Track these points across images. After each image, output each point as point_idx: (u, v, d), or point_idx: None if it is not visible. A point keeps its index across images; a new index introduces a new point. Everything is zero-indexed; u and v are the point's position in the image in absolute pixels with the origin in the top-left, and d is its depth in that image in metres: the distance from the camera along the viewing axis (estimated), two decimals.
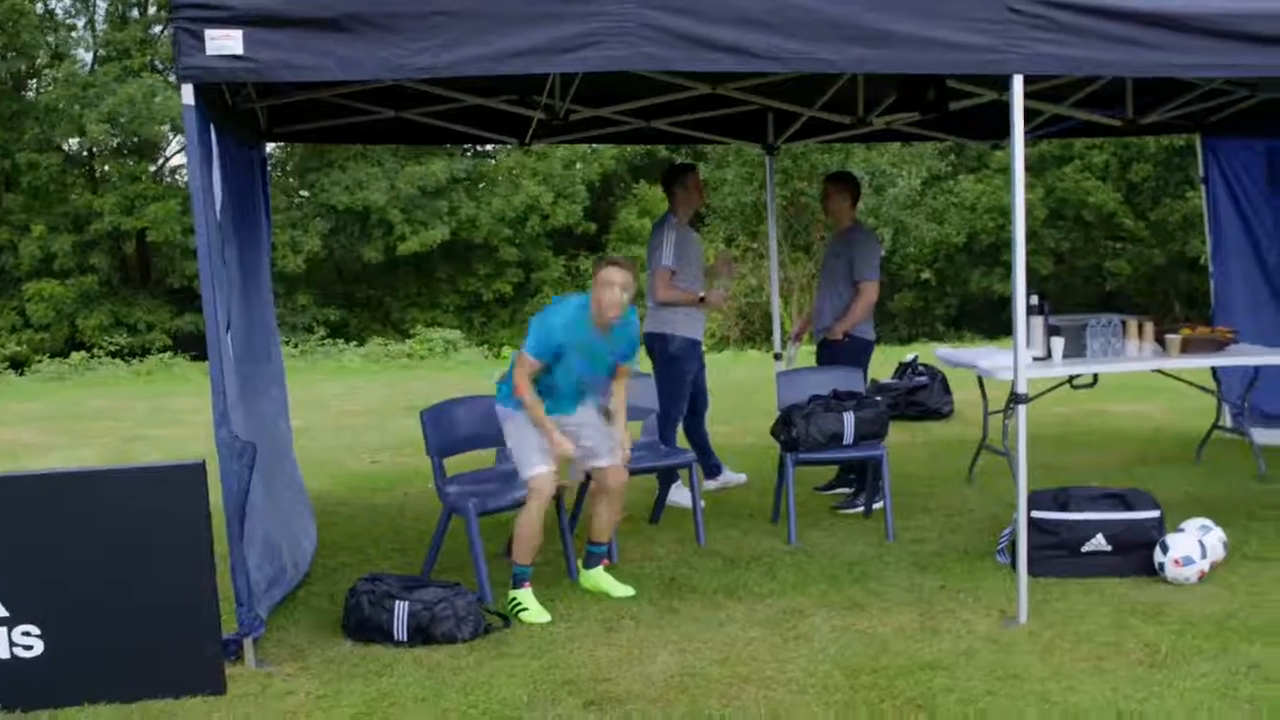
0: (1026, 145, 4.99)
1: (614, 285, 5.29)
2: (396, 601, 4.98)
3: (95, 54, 25.95)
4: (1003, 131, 5.04)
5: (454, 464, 5.95)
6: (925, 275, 23.10)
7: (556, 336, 5.33)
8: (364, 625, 5.02)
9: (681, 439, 7.32)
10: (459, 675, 4.63)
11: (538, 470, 5.33)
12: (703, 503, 6.51)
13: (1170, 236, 22.36)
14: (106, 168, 25.67)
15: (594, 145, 23.69)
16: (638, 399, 6.74)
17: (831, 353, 7.17)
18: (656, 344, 7.11)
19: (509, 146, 12.28)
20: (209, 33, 4.34)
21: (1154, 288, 23.03)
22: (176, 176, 26.34)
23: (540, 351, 5.33)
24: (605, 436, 5.63)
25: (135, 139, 24.56)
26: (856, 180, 7.52)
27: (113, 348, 21.80)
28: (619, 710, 4.31)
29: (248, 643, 4.73)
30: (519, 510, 5.45)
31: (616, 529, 5.81)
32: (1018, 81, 4.90)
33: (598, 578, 5.66)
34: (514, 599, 5.33)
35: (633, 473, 6.49)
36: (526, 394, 5.33)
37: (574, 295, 5.57)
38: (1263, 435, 7.92)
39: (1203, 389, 8.01)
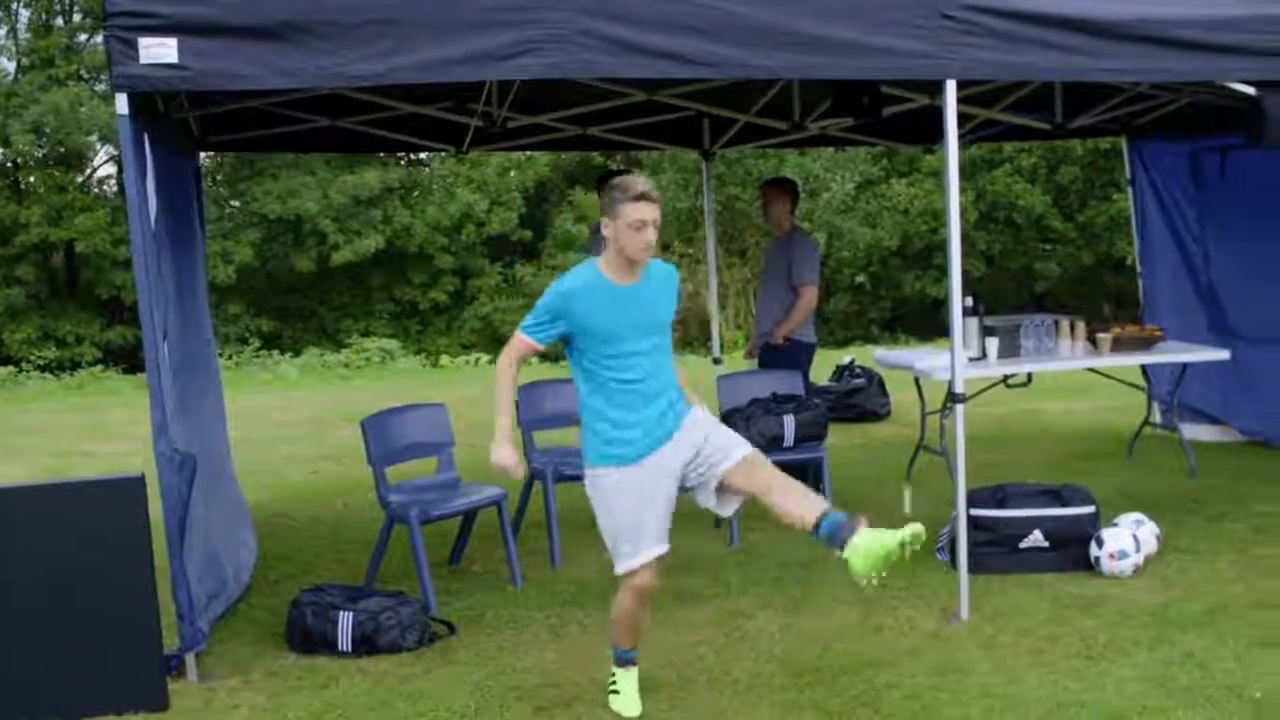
0: (959, 149, 5.08)
1: (647, 226, 4.06)
2: (340, 612, 4.95)
3: (19, 63, 25.45)
4: (935, 136, 5.14)
5: (395, 473, 5.92)
6: (860, 279, 23.30)
7: (574, 303, 4.10)
8: (308, 637, 4.98)
9: None
10: (406, 684, 4.61)
11: (640, 561, 4.14)
12: None
13: (1097, 238, 22.75)
14: (32, 179, 25.17)
15: (530, 152, 23.66)
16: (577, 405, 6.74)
17: (773, 356, 7.23)
18: None
19: (443, 155, 12.26)
20: (143, 41, 4.30)
21: (1083, 288, 23.41)
22: (105, 187, 25.89)
23: (542, 322, 4.14)
24: (715, 429, 4.30)
25: (61, 149, 24.10)
26: (796, 185, 7.61)
27: (41, 361, 21.37)
28: (568, 714, 4.32)
29: (190, 657, 4.68)
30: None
31: (745, 504, 4.33)
32: (951, 87, 4.99)
33: (871, 539, 3.97)
34: (613, 676, 4.41)
35: (574, 478, 6.50)
36: (503, 387, 4.22)
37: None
38: (1191, 431, 8.10)
39: (1133, 386, 8.18)
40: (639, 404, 4.17)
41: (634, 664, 4.39)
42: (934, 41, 4.92)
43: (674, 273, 4.39)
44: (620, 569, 4.19)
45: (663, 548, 4.19)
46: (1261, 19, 5.40)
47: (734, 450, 4.20)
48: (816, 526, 4.03)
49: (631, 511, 4.15)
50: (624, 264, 4.15)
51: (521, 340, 4.20)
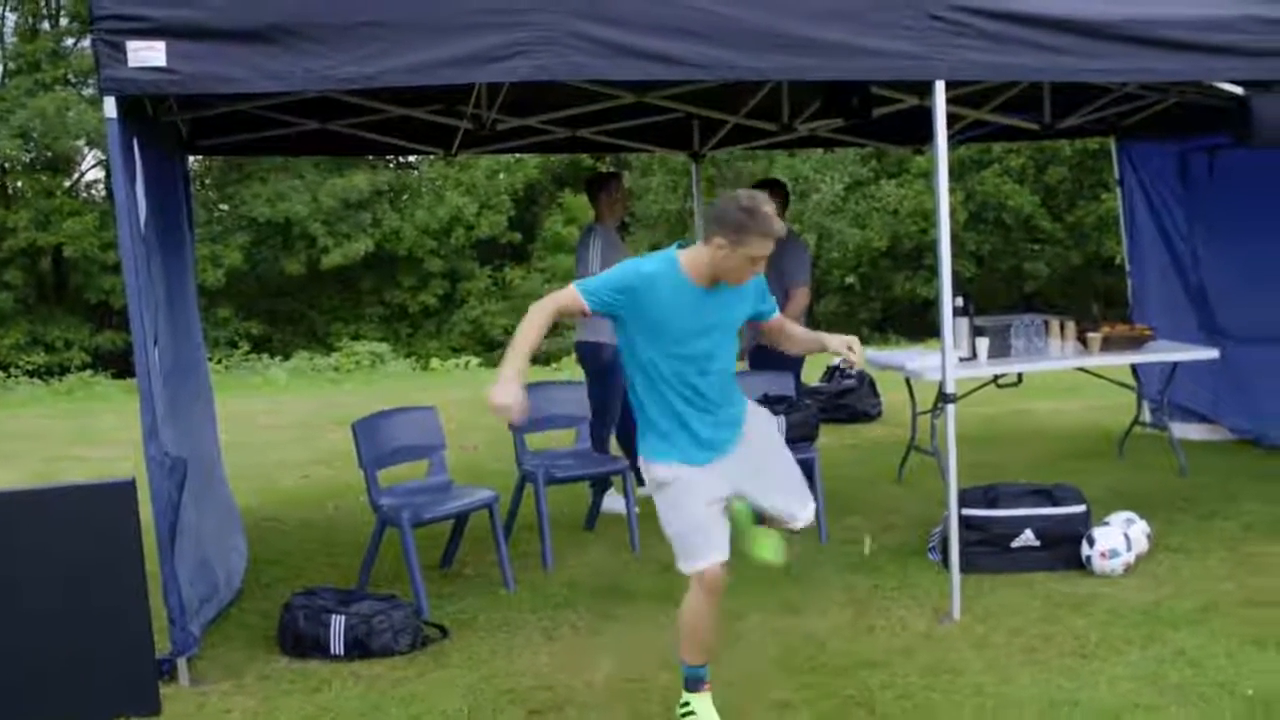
0: (948, 150, 5.09)
1: (761, 263, 3.92)
2: (333, 615, 4.94)
3: (5, 67, 25.38)
4: (924, 137, 5.15)
5: (387, 476, 5.91)
6: (850, 280, 23.34)
7: (648, 289, 3.88)
8: (300, 640, 4.97)
9: (615, 447, 7.34)
10: (399, 688, 4.61)
11: (707, 563, 4.00)
12: (637, 509, 6.53)
13: (1086, 238, 22.82)
14: (20, 183, 25.11)
15: (519, 155, 23.65)
16: (569, 408, 6.75)
17: (764, 357, 7.23)
18: (589, 352, 7.12)
19: (432, 158, 12.24)
20: (131, 44, 4.28)
21: (1072, 288, 23.46)
22: (93, 191, 25.84)
23: (605, 289, 3.89)
24: (786, 478, 4.26)
25: (49, 153, 24.05)
26: (786, 187, 7.61)
27: (30, 367, 21.31)
28: (561, 717, 4.32)
29: (182, 662, 4.66)
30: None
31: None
32: (940, 87, 5.00)
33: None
34: (685, 703, 4.17)
35: (565, 480, 6.50)
36: (528, 328, 3.83)
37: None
38: (1181, 430, 8.12)
39: (1123, 386, 8.20)
40: (701, 406, 4.00)
41: (708, 684, 4.13)
42: (923, 43, 4.92)
43: (760, 283, 4.14)
44: (689, 567, 4.03)
45: (726, 548, 4.07)
46: (1249, 19, 5.42)
47: (795, 516, 4.24)
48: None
49: (696, 510, 3.99)
50: (710, 277, 3.92)
51: (572, 295, 3.88)
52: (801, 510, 4.22)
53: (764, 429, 4.27)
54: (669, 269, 3.91)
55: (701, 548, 4.00)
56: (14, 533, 4.32)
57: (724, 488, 4.07)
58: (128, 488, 4.37)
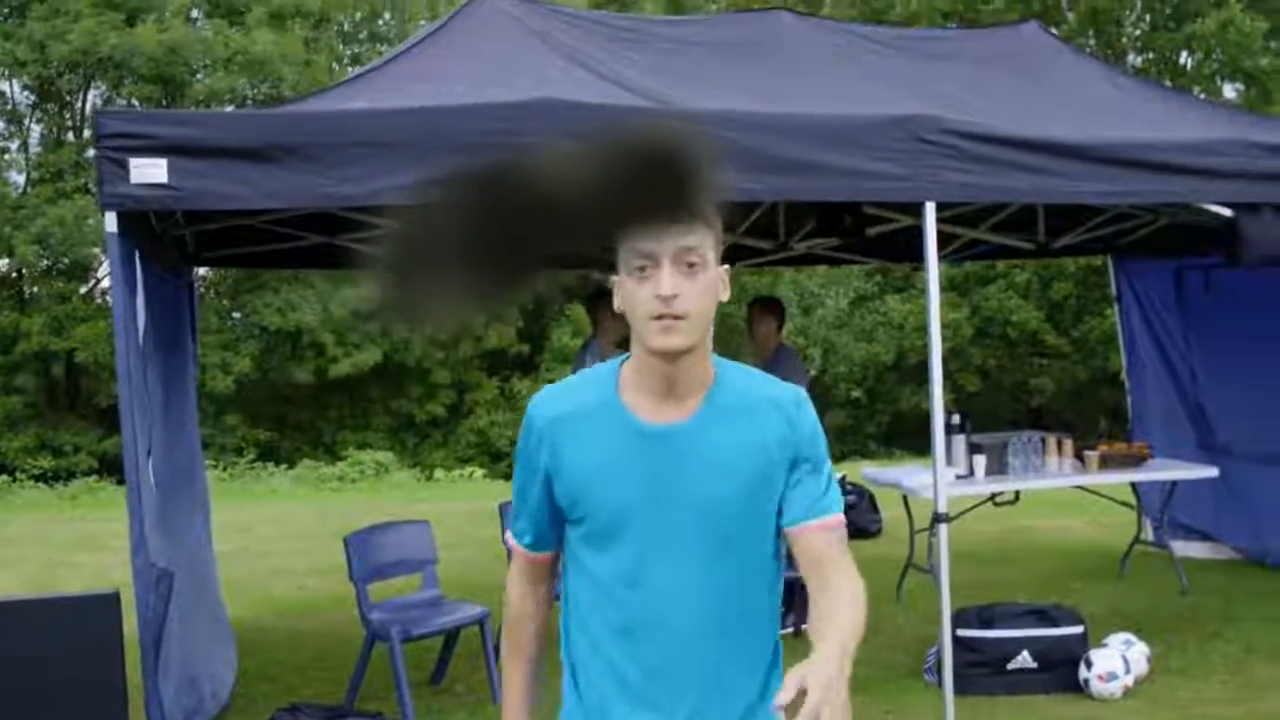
0: (950, 266, 5.16)
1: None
2: None
3: (28, 176, 25.87)
4: (921, 254, 5.20)
5: (381, 589, 5.87)
6: (856, 394, 23.38)
7: (558, 433, 2.18)
8: None
9: None
10: None
11: None
12: None
13: (1092, 352, 22.86)
14: (36, 288, 25.42)
15: None
16: None
17: None
18: None
19: None
20: (134, 161, 4.38)
21: (1079, 403, 23.45)
22: (107, 298, 26.10)
23: (519, 501, 2.28)
24: None
25: (65, 260, 24.40)
26: (782, 304, 7.67)
27: (37, 471, 21.34)
28: None
29: None
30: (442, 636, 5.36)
31: None
32: (930, 208, 5.08)
33: None
34: None
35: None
36: (509, 658, 2.37)
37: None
38: (1183, 548, 8.06)
39: (1122, 504, 8.15)
40: (632, 688, 2.19)
41: None
42: (912, 165, 5.02)
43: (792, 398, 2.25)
44: None
45: None
46: (1235, 143, 5.53)
47: None
48: None
49: None
50: (656, 382, 2.15)
51: (513, 548, 2.34)
52: None
53: None
54: (599, 393, 2.19)
55: None
56: None
57: None
58: (111, 599, 4.35)
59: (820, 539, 2.24)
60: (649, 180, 1.45)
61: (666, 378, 2.13)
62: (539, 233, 1.51)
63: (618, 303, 2.16)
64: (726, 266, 2.21)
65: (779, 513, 2.22)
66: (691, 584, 2.16)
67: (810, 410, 2.25)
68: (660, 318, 2.06)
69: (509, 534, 2.35)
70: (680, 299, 2.06)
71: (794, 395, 2.24)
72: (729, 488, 2.16)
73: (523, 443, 2.25)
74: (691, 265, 2.08)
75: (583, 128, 4.64)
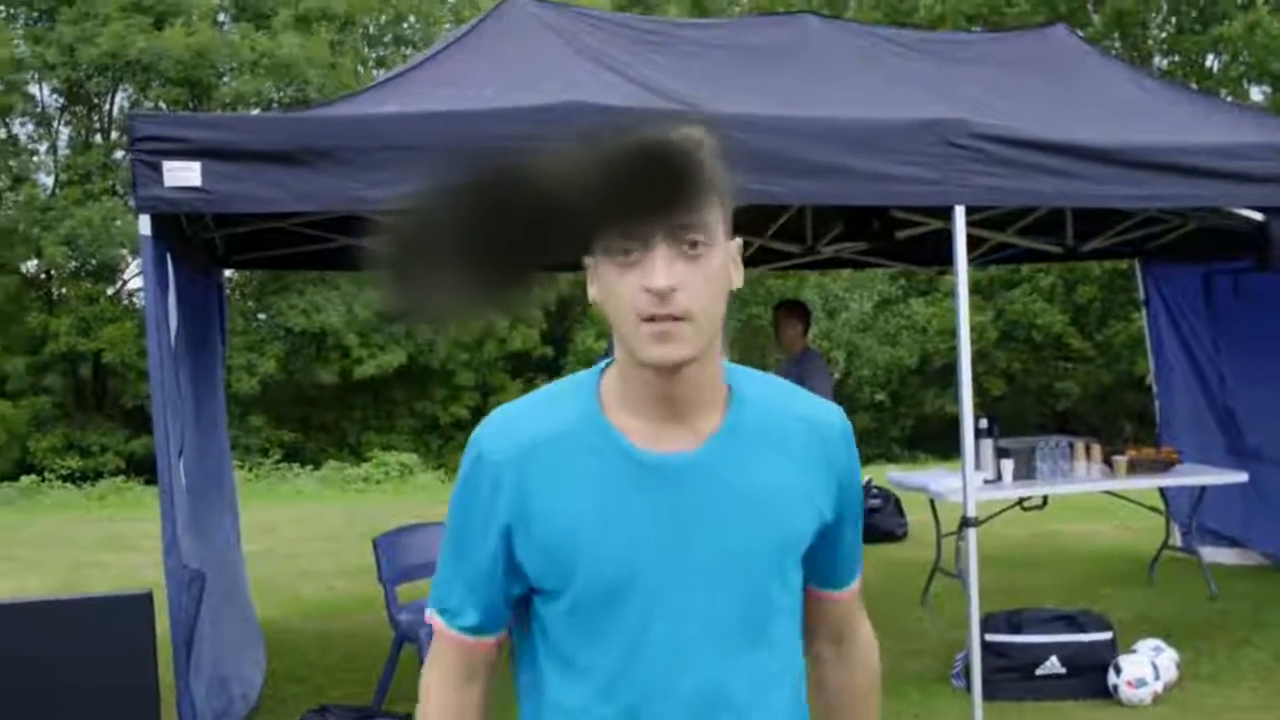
0: (976, 270, 5.14)
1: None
2: None
3: (56, 178, 26.09)
4: (948, 258, 5.19)
5: (412, 591, 5.89)
6: (880, 397, 23.33)
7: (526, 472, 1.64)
8: None
9: None
10: None
11: None
12: None
13: (1118, 356, 22.74)
14: (64, 290, 25.64)
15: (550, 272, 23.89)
16: None
17: None
18: None
19: None
20: (167, 164, 4.41)
21: (1104, 407, 23.32)
22: (134, 299, 26.30)
23: (469, 580, 1.78)
24: None
25: (93, 261, 24.60)
26: (807, 308, 7.67)
27: (65, 471, 21.50)
28: None
29: None
30: None
31: None
32: (959, 212, 5.07)
33: None
34: None
35: None
36: None
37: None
38: (1212, 553, 8.01)
39: (1151, 509, 8.11)
40: None
41: None
42: (940, 169, 5.00)
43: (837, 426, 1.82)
44: None
45: None
46: (1266, 147, 5.50)
47: None
48: None
49: None
50: (650, 401, 1.65)
51: (441, 631, 1.89)
52: None
53: None
54: (576, 412, 1.68)
55: None
56: (27, 643, 4.32)
57: None
58: (144, 600, 4.38)
59: (846, 606, 1.86)
60: (646, 179, 1.34)
61: (665, 397, 1.60)
62: (531, 232, 1.48)
63: (593, 294, 1.62)
64: (738, 241, 1.61)
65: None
66: (725, 681, 1.61)
67: (853, 439, 1.78)
68: (653, 319, 1.52)
69: (431, 612, 1.79)
70: (680, 293, 1.52)
71: (836, 421, 1.76)
72: (763, 542, 1.62)
73: (465, 487, 1.70)
74: (694, 246, 1.53)
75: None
